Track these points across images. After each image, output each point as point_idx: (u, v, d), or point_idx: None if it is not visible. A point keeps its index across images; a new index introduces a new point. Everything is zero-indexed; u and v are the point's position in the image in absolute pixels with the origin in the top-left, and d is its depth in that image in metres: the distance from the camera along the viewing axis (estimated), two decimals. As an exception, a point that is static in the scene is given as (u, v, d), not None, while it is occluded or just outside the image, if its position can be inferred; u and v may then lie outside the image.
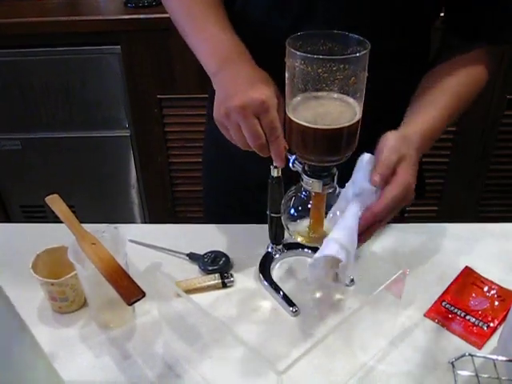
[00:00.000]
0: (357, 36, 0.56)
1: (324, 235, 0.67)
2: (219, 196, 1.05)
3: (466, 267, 0.81)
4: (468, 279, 0.79)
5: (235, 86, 0.65)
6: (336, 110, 0.58)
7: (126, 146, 1.79)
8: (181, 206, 1.93)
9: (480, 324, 0.72)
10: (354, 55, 0.54)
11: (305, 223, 0.69)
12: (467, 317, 0.73)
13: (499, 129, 1.71)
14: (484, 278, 0.79)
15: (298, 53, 0.54)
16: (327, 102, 0.58)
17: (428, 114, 0.72)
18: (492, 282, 0.78)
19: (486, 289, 0.77)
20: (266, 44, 0.69)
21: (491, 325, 0.71)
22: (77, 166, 1.84)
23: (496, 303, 0.74)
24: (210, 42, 0.73)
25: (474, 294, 0.76)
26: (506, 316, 0.70)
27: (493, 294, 0.76)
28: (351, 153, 0.61)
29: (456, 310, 0.74)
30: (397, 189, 0.61)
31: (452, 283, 0.78)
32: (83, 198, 1.88)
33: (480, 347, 0.69)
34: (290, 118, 0.59)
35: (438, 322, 0.73)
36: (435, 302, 0.76)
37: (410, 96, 0.81)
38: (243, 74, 0.67)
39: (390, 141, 0.63)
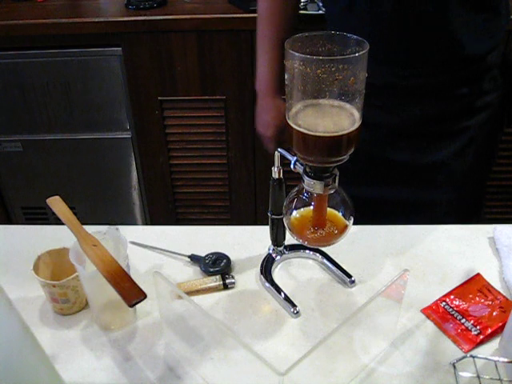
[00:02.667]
0: (355, 36, 0.56)
1: (325, 236, 0.67)
2: None
3: (478, 274, 0.80)
4: (475, 285, 0.78)
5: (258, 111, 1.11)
6: (336, 116, 0.58)
7: (127, 147, 1.79)
8: (182, 208, 1.93)
9: (472, 329, 0.71)
10: (352, 55, 0.54)
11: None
12: (462, 320, 0.72)
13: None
14: (492, 287, 0.78)
15: (297, 54, 0.54)
16: (327, 108, 0.58)
17: None
18: (499, 293, 0.77)
19: (490, 297, 0.76)
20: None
21: (483, 332, 0.70)
22: (78, 168, 1.84)
23: (495, 313, 0.73)
24: (259, 68, 1.08)
25: (476, 300, 0.75)
26: (502, 326, 0.69)
27: (495, 304, 0.75)
28: (351, 152, 0.61)
29: (453, 312, 0.74)
30: None
31: (458, 286, 0.78)
32: (84, 199, 1.88)
33: (466, 352, 0.69)
34: (290, 125, 0.60)
35: (432, 320, 0.73)
36: (435, 301, 0.76)
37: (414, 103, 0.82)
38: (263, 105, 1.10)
39: None
